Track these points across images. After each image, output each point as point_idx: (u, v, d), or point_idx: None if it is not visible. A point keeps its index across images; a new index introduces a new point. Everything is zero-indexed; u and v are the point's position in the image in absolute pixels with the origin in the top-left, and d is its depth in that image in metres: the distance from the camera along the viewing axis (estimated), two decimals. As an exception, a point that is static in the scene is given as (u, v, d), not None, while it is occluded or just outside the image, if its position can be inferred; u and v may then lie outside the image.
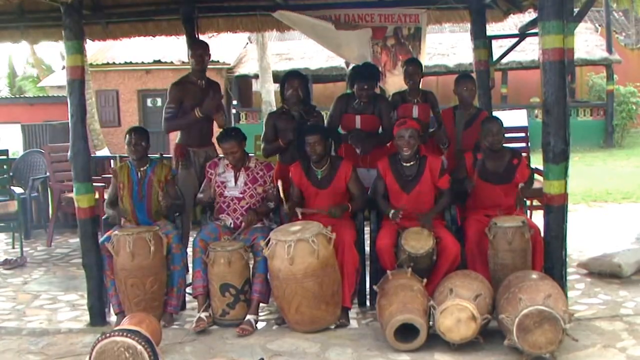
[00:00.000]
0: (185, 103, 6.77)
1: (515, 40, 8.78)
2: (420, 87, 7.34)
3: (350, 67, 7.54)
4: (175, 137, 7.25)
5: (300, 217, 5.94)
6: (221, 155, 6.33)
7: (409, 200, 6.01)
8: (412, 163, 6.02)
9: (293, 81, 6.62)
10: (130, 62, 23.98)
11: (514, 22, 13.68)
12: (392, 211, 5.92)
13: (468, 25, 8.75)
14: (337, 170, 6.13)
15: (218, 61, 22.04)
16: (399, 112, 7.04)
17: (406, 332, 5.04)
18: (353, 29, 8.64)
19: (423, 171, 6.01)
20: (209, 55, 7.05)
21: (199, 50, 6.93)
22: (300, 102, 6.64)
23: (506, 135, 6.20)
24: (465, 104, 6.92)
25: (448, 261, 5.71)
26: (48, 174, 9.56)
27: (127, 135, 6.22)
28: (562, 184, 5.42)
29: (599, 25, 24.34)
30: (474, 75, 8.03)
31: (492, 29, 8.98)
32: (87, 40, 9.09)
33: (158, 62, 23.53)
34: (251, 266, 5.94)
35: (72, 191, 6.14)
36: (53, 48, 33.20)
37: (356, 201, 6.17)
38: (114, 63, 24.06)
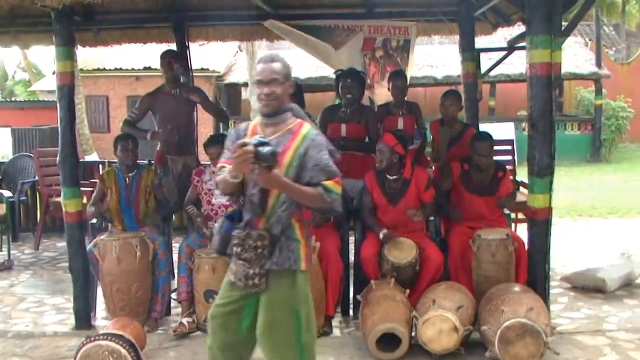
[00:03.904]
0: (157, 114, 6.86)
1: (503, 53, 8.81)
2: (405, 99, 7.37)
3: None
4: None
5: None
6: (207, 163, 6.35)
7: (395, 213, 6.01)
8: (396, 176, 5.99)
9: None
10: (121, 69, 23.95)
11: (503, 34, 13.68)
12: (385, 232, 5.88)
13: (457, 38, 8.77)
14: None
15: (208, 69, 22.11)
16: (384, 124, 7.04)
17: (388, 341, 5.08)
18: (348, 38, 8.61)
19: (409, 184, 6.01)
20: (179, 63, 7.09)
21: (166, 59, 6.98)
22: None
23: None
24: (448, 120, 6.96)
25: (431, 272, 5.72)
26: (37, 177, 9.58)
27: (120, 142, 6.26)
28: (546, 198, 5.47)
29: (589, 40, 24.44)
30: (461, 88, 8.06)
31: (480, 41, 8.98)
32: (78, 46, 9.10)
33: (148, 68, 23.43)
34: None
35: (60, 195, 6.15)
36: (44, 52, 33.00)
37: None
38: (104, 69, 24.04)
